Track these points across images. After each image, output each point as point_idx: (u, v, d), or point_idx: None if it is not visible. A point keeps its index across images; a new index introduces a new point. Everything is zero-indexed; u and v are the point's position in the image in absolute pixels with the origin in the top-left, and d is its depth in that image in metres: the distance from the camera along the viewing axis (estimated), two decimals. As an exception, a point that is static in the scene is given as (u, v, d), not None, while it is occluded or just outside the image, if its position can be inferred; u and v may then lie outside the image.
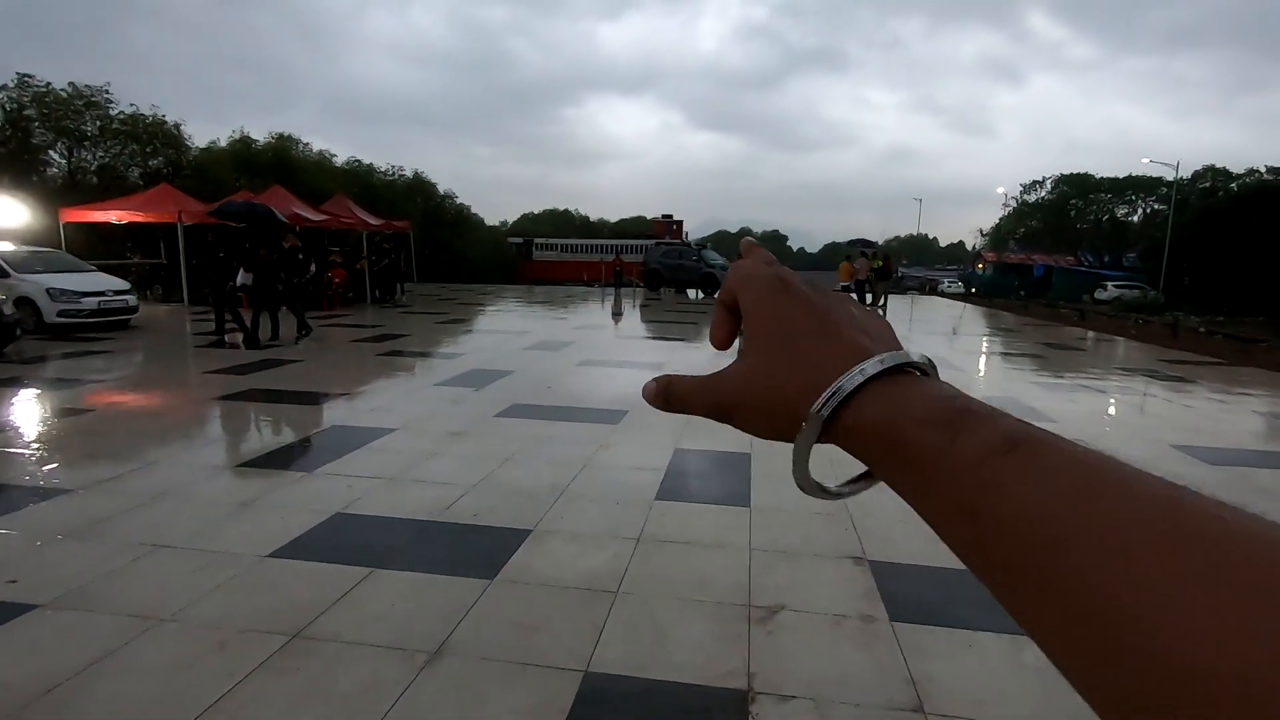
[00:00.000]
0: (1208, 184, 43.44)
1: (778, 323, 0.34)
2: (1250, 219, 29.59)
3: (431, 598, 2.94)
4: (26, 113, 21.52)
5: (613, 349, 10.86)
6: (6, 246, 12.10)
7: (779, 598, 2.99)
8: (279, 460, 4.81)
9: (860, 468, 0.31)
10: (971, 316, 20.90)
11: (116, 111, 23.33)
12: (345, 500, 4.00)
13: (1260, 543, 0.19)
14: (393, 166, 37.73)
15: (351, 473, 4.50)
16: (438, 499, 4.06)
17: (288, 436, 5.48)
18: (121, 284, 12.19)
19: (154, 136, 23.94)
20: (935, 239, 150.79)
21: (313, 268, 11.00)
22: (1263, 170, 40.63)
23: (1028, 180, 69.76)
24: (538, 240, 46.05)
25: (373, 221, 20.00)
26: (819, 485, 0.33)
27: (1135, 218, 53.49)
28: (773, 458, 4.68)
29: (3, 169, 19.49)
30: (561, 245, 45.19)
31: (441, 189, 39.92)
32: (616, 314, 17.71)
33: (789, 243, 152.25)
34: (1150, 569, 0.20)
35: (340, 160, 34.36)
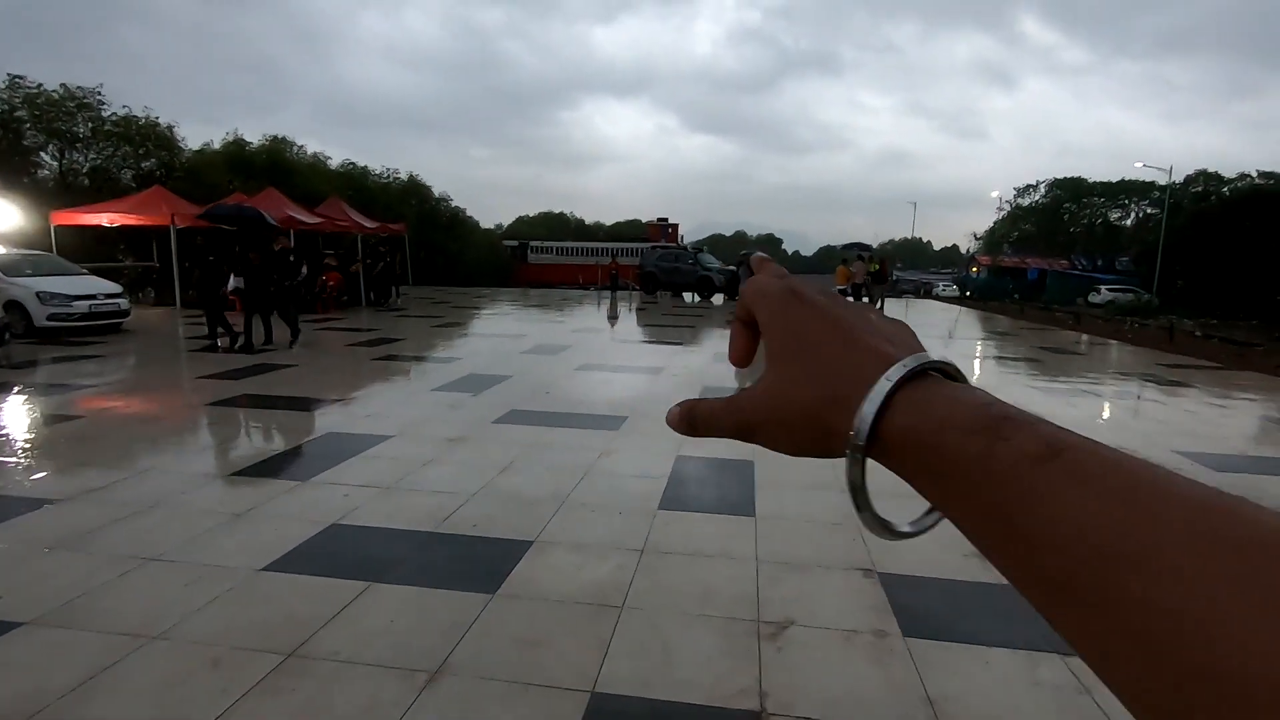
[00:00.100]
0: (1200, 188, 43.72)
1: (796, 335, 0.33)
2: (1242, 223, 29.76)
3: (431, 613, 2.86)
4: (18, 114, 21.31)
5: (611, 353, 10.79)
6: (-4, 249, 11.95)
7: (788, 612, 2.92)
8: (273, 468, 4.71)
9: (924, 502, 0.29)
10: (967, 320, 20.91)
11: (109, 113, 23.13)
12: (341, 510, 3.91)
13: None
14: (388, 169, 37.61)
15: (347, 481, 4.41)
16: (436, 508, 3.98)
17: (282, 443, 5.38)
18: (113, 287, 12.05)
19: (147, 138, 23.74)
20: (929, 242, 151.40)
21: (304, 270, 10.84)
22: (1254, 175, 40.93)
23: (1021, 184, 70.17)
24: (533, 243, 46.03)
25: (368, 224, 19.88)
26: (886, 525, 0.31)
27: (1128, 222, 53.76)
28: (775, 465, 4.62)
29: (-7, 171, 19.30)
30: (557, 248, 45.16)
31: (436, 191, 39.81)
32: (613, 317, 17.64)
33: (784, 246, 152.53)
34: (1209, 583, 0.19)
35: (335, 163, 34.21)
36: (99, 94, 22.88)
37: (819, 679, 2.49)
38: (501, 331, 13.68)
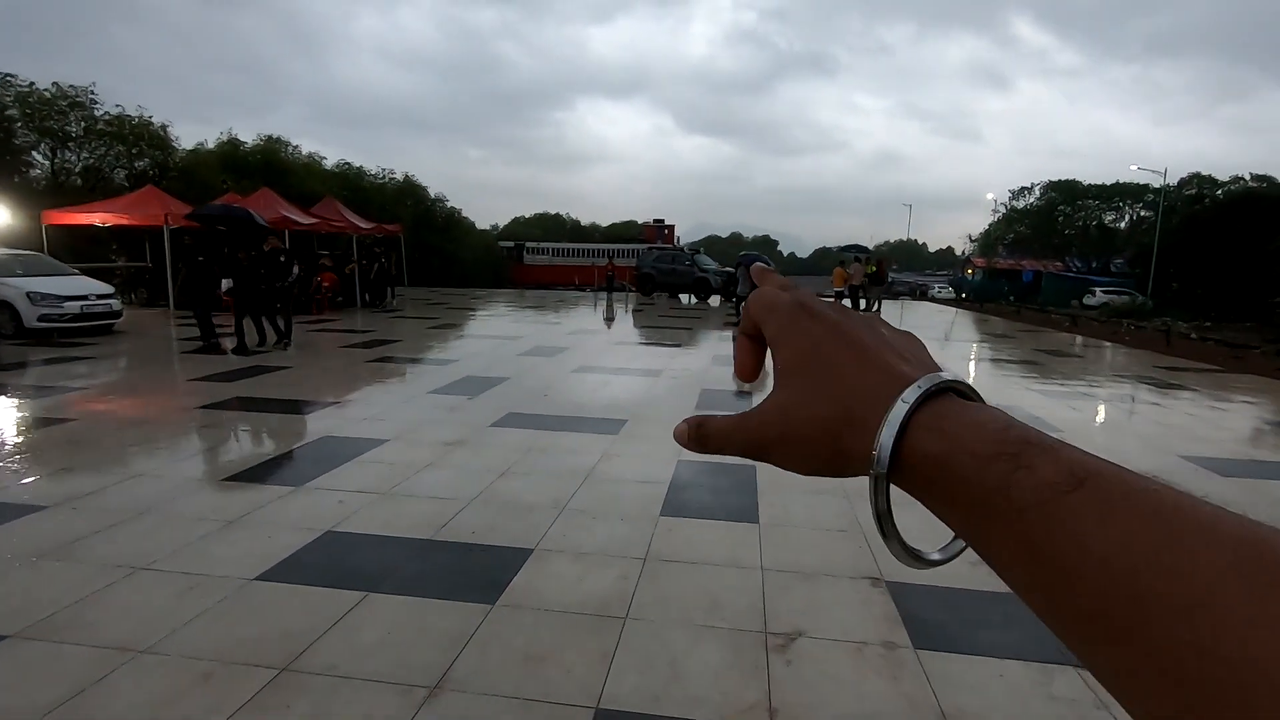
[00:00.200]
0: (1193, 191, 43.83)
1: (807, 351, 0.32)
2: (1235, 225, 29.88)
3: (430, 625, 2.78)
4: (9, 112, 21.13)
5: (609, 355, 10.71)
6: (-14, 249, 11.80)
7: (796, 623, 2.85)
8: (266, 474, 4.62)
9: (947, 530, 0.29)
10: (964, 322, 20.91)
11: (102, 112, 23.00)
12: (337, 517, 3.83)
13: None
14: (383, 169, 37.53)
15: (343, 487, 4.33)
16: (434, 515, 3.89)
17: (275, 448, 5.29)
18: (105, 288, 11.91)
19: (140, 138, 23.60)
20: (924, 244, 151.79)
21: (295, 270, 10.63)
22: (1247, 177, 41.11)
23: (1015, 186, 70.35)
24: (529, 244, 45.92)
25: (363, 225, 19.75)
26: (914, 553, 0.31)
27: (1122, 224, 53.94)
28: (777, 470, 4.53)
29: (-16, 170, 19.13)
30: (553, 249, 45.08)
31: (432, 192, 39.68)
32: (609, 318, 17.57)
33: (779, 247, 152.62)
34: (1243, 621, 0.19)
35: (330, 163, 34.08)
36: (91, 93, 22.74)
37: (830, 694, 2.42)
38: (498, 333, 13.59)
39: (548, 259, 43.41)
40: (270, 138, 31.06)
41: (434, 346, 11.46)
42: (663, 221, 50.45)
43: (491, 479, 4.52)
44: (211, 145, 29.14)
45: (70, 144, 22.81)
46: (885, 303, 23.09)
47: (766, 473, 4.60)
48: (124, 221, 15.91)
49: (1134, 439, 6.24)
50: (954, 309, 28.64)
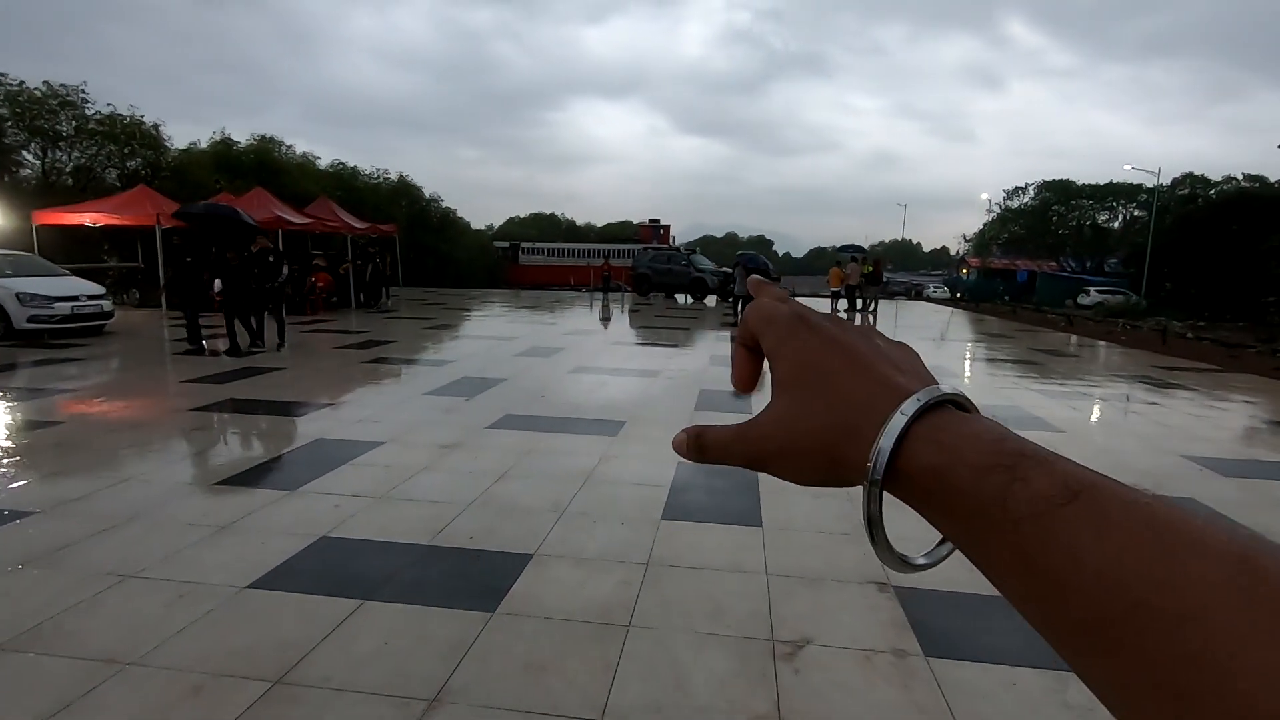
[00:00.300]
0: (1187, 191, 44.03)
1: (805, 363, 0.33)
2: (1229, 225, 30.01)
3: (428, 634, 2.71)
4: (-1, 111, 20.92)
5: (605, 355, 10.63)
6: (-26, 249, 11.66)
7: (803, 630, 2.79)
8: (259, 477, 4.53)
9: (935, 533, 0.29)
10: (960, 322, 20.91)
11: (93, 111, 22.76)
12: (332, 522, 3.75)
13: None
14: (377, 169, 37.25)
15: (338, 490, 4.25)
16: (431, 520, 3.82)
17: (269, 451, 5.20)
18: (96, 288, 11.78)
19: (132, 137, 23.35)
20: (919, 244, 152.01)
21: (285, 270, 10.47)
22: (1239, 178, 41.31)
23: (1009, 185, 70.45)
24: (524, 244, 45.77)
25: (357, 225, 19.62)
26: (902, 558, 0.31)
27: (1116, 224, 54.11)
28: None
29: (-27, 169, 18.93)
30: (548, 249, 44.94)
31: (427, 192, 39.48)
32: (605, 319, 17.50)
33: (774, 247, 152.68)
34: (1234, 634, 0.19)
35: (324, 163, 33.85)
36: (83, 92, 22.50)
37: (840, 704, 2.35)
38: (494, 333, 13.50)
39: (543, 259, 43.28)
40: (264, 137, 30.84)
41: (429, 347, 11.37)
42: (658, 221, 50.29)
43: (489, 482, 4.45)
44: (204, 145, 28.90)
45: (61, 143, 22.56)
46: (881, 302, 23.05)
47: (768, 475, 4.53)
48: (115, 221, 15.76)
49: (1135, 439, 6.21)
50: (950, 309, 28.66)
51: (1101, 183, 53.55)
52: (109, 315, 11.66)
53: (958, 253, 62.17)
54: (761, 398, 0.36)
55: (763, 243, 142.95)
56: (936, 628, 2.83)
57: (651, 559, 3.41)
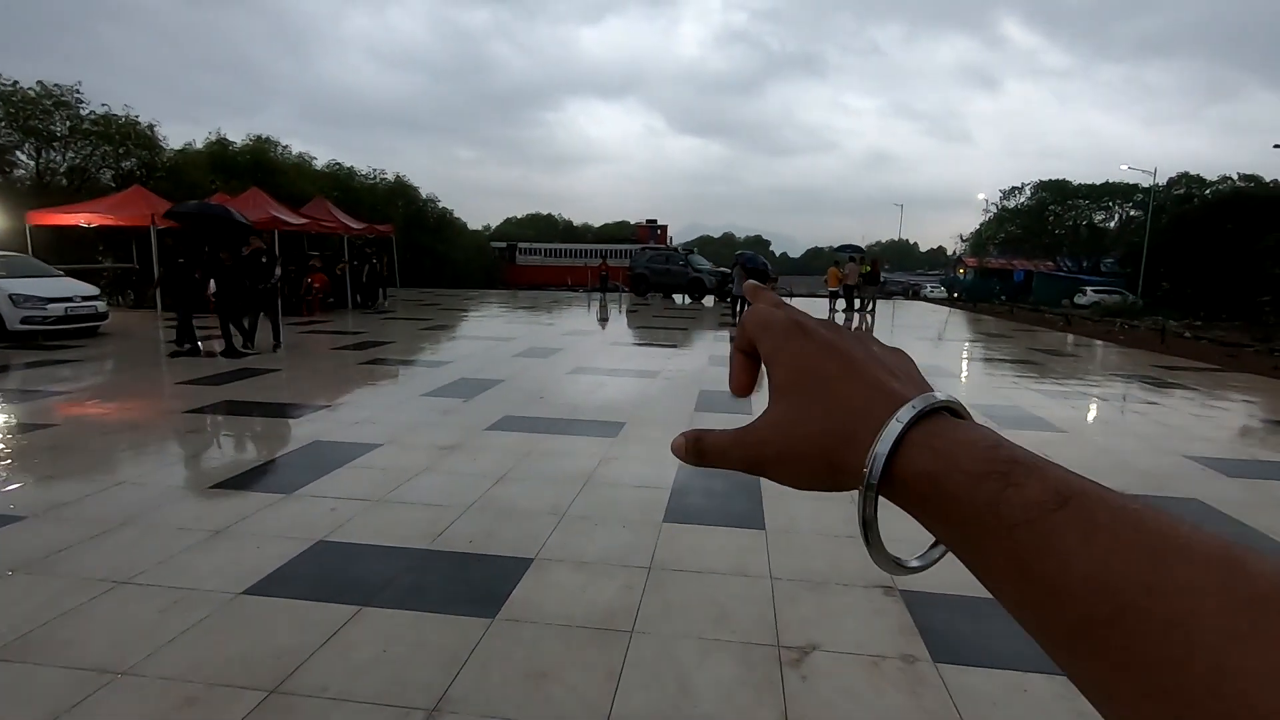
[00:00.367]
0: (1182, 190, 44.16)
1: (803, 369, 0.33)
2: (1224, 225, 30.07)
3: (427, 640, 2.65)
4: (-8, 112, 20.79)
5: (604, 355, 10.58)
6: (-33, 250, 11.55)
7: (809, 635, 2.74)
8: (255, 480, 4.47)
9: (928, 536, 0.30)
10: (958, 322, 20.90)
11: (87, 111, 22.64)
12: (329, 526, 3.69)
13: None
14: (374, 169, 37.13)
15: (334, 494, 4.19)
16: (429, 523, 3.76)
17: (264, 453, 5.14)
18: (90, 289, 11.69)
19: (127, 137, 23.23)
20: (915, 244, 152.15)
21: (278, 272, 10.31)
22: (1234, 177, 41.41)
23: (1005, 185, 70.56)
24: (521, 245, 45.68)
25: (354, 225, 19.53)
26: (896, 561, 0.32)
27: (1112, 224, 54.21)
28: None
29: (-34, 170, 18.80)
30: (545, 250, 44.87)
31: (424, 193, 39.40)
32: (603, 319, 17.45)
33: (771, 247, 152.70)
34: (1219, 637, 0.20)
35: (320, 163, 33.74)
36: (77, 92, 22.38)
37: (849, 712, 2.31)
38: (491, 334, 13.43)
39: (540, 259, 43.21)
40: (260, 137, 30.70)
41: (427, 348, 11.31)
42: (655, 222, 50.24)
43: (488, 485, 4.39)
44: (200, 145, 28.78)
45: (55, 144, 22.43)
46: (879, 302, 23.02)
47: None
48: (109, 222, 15.66)
49: (1137, 439, 6.17)
50: (947, 308, 28.67)
51: (1098, 183, 53.71)
52: (103, 316, 11.57)
53: (954, 253, 62.21)
54: (761, 398, 0.36)
55: (760, 242, 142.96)
56: (944, 632, 2.78)
57: (654, 563, 3.36)
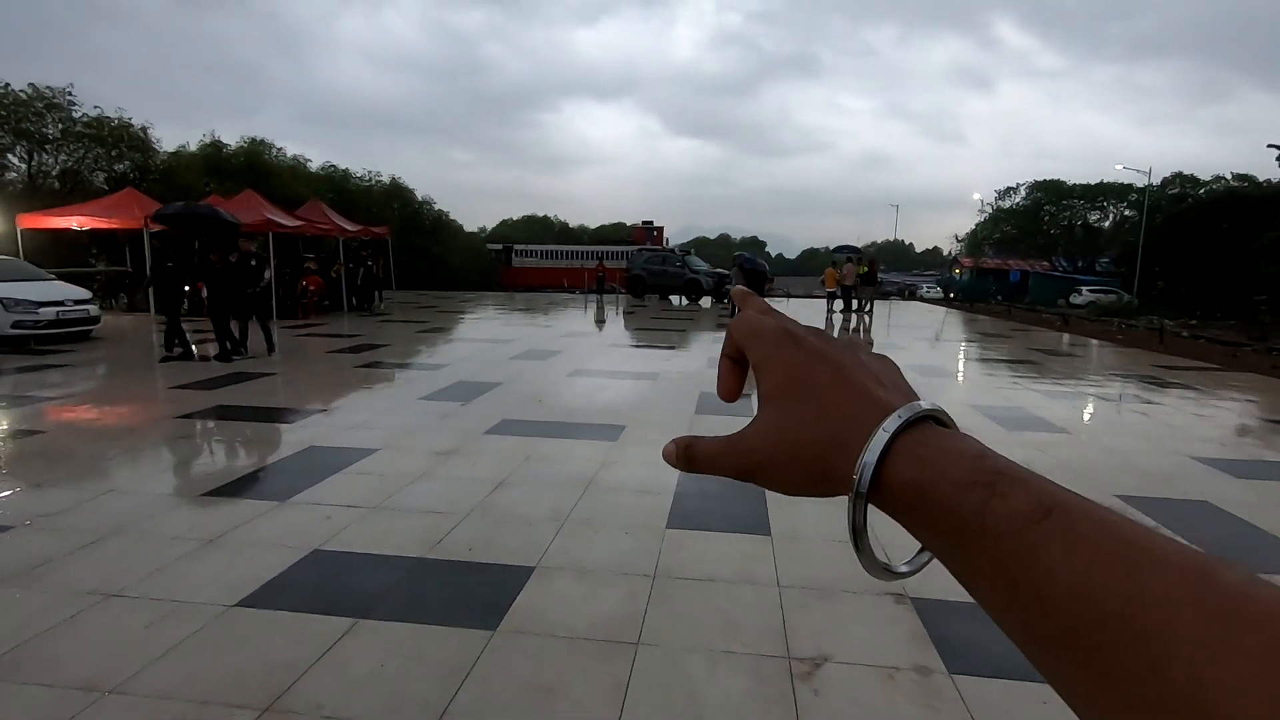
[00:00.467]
0: (1176, 190, 44.23)
1: (792, 376, 0.34)
2: (1219, 224, 30.16)
3: (427, 654, 2.57)
4: (-17, 114, 20.62)
5: (603, 357, 10.50)
6: (-43, 254, 11.41)
7: (820, 646, 2.66)
8: (248, 487, 4.38)
9: (914, 540, 0.31)
10: (956, 322, 20.87)
11: (80, 114, 22.48)
12: (324, 534, 3.60)
13: None
14: (369, 172, 37.03)
15: (330, 501, 4.10)
16: (428, 530, 3.68)
17: (259, 459, 5.04)
18: (82, 293, 11.55)
19: (120, 140, 23.09)
20: (911, 244, 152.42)
21: (268, 274, 10.12)
22: (1228, 177, 41.51)
23: (1000, 186, 70.73)
24: (517, 246, 45.61)
25: (349, 227, 19.41)
26: (886, 568, 0.33)
27: (1106, 224, 54.35)
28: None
29: (-43, 173, 18.62)
30: (541, 251, 44.81)
31: (419, 195, 39.28)
32: (600, 321, 17.37)
33: (768, 248, 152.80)
34: (1195, 646, 0.20)
35: (315, 165, 33.60)
36: (69, 94, 22.23)
37: (864, 727, 2.23)
38: (489, 336, 13.34)
39: (536, 261, 43.13)
40: (254, 140, 30.59)
41: (423, 351, 11.21)
42: (651, 223, 50.25)
43: (488, 490, 4.31)
44: (194, 147, 28.64)
45: (47, 146, 22.29)
46: (876, 303, 22.98)
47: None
48: (102, 224, 15.52)
49: (1141, 440, 6.11)
50: (944, 309, 28.66)
51: (1092, 183, 53.88)
52: (95, 320, 11.44)
53: (950, 253, 62.31)
54: (751, 403, 0.35)
55: (756, 243, 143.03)
56: (959, 642, 2.71)
57: (658, 570, 3.28)
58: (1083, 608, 0.23)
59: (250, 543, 3.49)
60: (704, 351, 11.43)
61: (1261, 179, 35.81)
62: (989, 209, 59.08)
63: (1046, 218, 55.87)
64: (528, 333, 13.84)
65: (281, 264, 15.76)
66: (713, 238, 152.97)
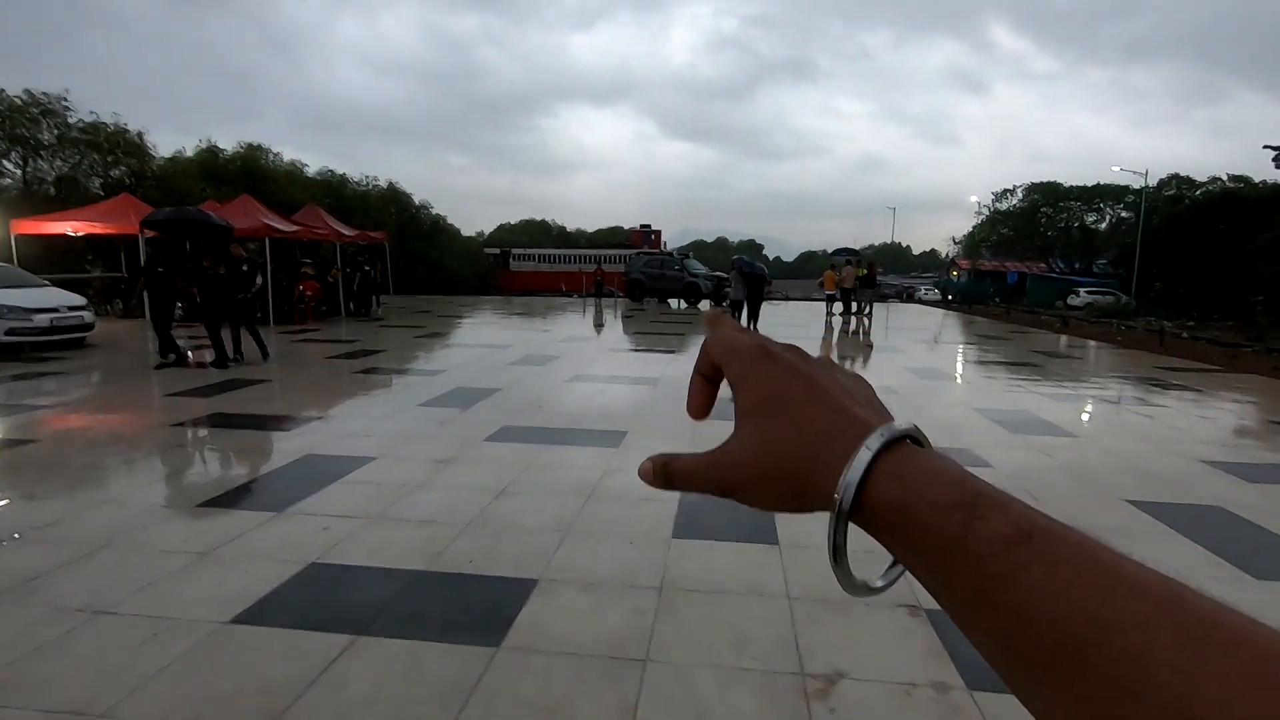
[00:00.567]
0: (1173, 191, 44.32)
1: (770, 394, 0.34)
2: (1216, 226, 30.21)
3: (427, 672, 2.48)
4: (-23, 120, 20.52)
5: (602, 362, 10.43)
6: (-50, 260, 11.31)
7: (834, 662, 2.58)
8: (244, 497, 4.29)
9: (885, 553, 0.31)
10: (955, 324, 20.84)
11: (75, 120, 22.39)
12: (322, 546, 3.51)
13: (1266, 649, 0.21)
14: (366, 176, 36.93)
15: (328, 511, 4.01)
16: (427, 542, 3.59)
17: (254, 468, 4.95)
18: (76, 299, 11.45)
19: (115, 146, 23.00)
20: (908, 246, 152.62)
21: (259, 280, 9.97)
22: (1225, 178, 41.59)
23: (995, 188, 70.86)
24: (515, 250, 45.51)
25: (347, 232, 19.33)
26: (866, 585, 0.33)
27: (1103, 225, 54.44)
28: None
29: (-49, 179, 18.52)
30: (539, 255, 44.70)
31: (416, 199, 39.20)
32: (599, 325, 17.30)
33: (765, 251, 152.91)
34: (1171, 668, 0.21)
35: (312, 170, 33.53)
36: (65, 100, 22.15)
37: (883, 747, 2.15)
38: (487, 341, 13.27)
39: (534, 265, 43.05)
40: (251, 145, 30.51)
41: (421, 356, 11.12)
42: (649, 226, 50.23)
43: (488, 499, 4.23)
44: (190, 153, 28.57)
45: (43, 152, 22.19)
46: (875, 305, 22.93)
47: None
48: (97, 230, 15.43)
49: (1149, 443, 6.05)
50: (942, 311, 28.64)
51: (1089, 184, 53.98)
52: (90, 327, 11.34)
53: (947, 255, 62.36)
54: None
55: (753, 246, 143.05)
56: (976, 657, 2.57)
57: (665, 582, 3.20)
58: (1063, 630, 0.23)
59: (246, 556, 3.41)
60: (704, 355, 11.35)
61: (1257, 180, 35.93)
62: (986, 211, 59.20)
63: (1043, 220, 55.97)
64: (526, 337, 13.77)
65: (278, 269, 15.67)
66: (710, 241, 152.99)
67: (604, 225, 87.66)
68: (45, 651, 2.57)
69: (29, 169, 22.21)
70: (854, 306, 20.83)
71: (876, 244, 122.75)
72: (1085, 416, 7.27)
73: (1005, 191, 58.22)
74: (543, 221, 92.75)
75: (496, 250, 46.23)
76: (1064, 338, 16.92)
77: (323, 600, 3.00)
